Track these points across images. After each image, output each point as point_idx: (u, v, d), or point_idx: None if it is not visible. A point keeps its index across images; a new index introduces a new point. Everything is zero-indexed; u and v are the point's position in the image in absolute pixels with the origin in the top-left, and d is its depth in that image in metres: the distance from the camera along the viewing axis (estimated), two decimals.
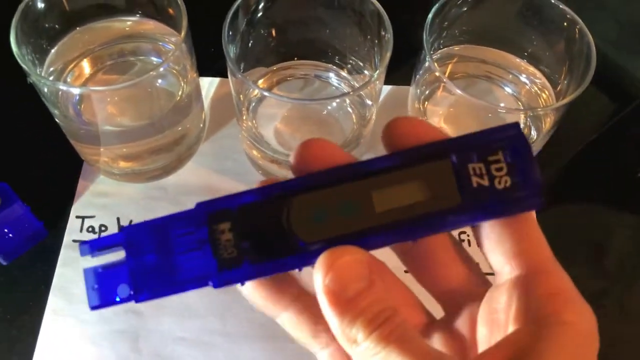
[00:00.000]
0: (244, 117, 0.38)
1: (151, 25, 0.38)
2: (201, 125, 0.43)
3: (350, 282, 0.17)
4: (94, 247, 0.19)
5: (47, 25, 0.35)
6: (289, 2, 0.36)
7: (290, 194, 0.18)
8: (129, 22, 0.38)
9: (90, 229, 0.40)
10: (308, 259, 0.18)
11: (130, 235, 0.18)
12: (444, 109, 0.40)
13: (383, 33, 0.34)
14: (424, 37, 0.35)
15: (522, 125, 0.39)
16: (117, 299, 0.18)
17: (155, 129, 0.38)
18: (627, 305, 0.40)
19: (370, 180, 0.18)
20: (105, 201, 0.41)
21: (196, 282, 0.18)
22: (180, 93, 0.38)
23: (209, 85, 0.46)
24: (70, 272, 0.39)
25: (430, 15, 0.35)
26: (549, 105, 0.37)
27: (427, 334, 0.21)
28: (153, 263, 0.18)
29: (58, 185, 0.42)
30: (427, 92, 0.40)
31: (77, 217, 0.41)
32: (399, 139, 0.19)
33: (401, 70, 0.41)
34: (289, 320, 0.20)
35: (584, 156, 0.45)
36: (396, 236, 0.18)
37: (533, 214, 0.19)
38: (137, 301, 0.18)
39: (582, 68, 0.33)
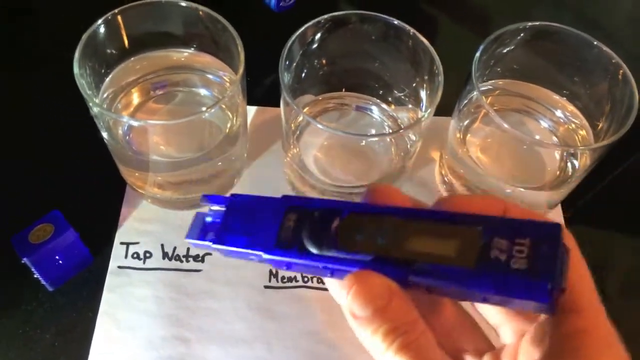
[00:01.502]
0: (291, 145, 0.39)
1: (207, 59, 0.39)
2: (245, 155, 0.43)
3: (370, 300, 0.20)
4: (207, 199, 0.25)
5: (107, 51, 0.36)
6: (343, 35, 0.37)
7: (347, 210, 0.22)
8: (185, 54, 0.39)
9: (135, 255, 0.41)
10: (338, 264, 0.21)
11: (233, 201, 0.24)
12: (481, 139, 0.42)
13: (436, 73, 0.36)
14: (473, 71, 0.36)
15: (558, 160, 0.41)
16: (202, 238, 0.24)
17: (202, 160, 0.39)
18: (626, 325, 0.41)
19: (411, 223, 0.21)
20: (149, 227, 0.42)
21: (256, 248, 0.23)
22: (229, 126, 0.39)
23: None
24: (117, 298, 0.39)
25: (478, 53, 0.37)
26: (587, 145, 0.38)
27: (480, 359, 0.24)
28: (237, 225, 0.24)
29: (102, 211, 0.42)
30: (466, 122, 0.41)
31: (122, 243, 0.41)
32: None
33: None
34: None
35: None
36: (411, 273, 0.21)
37: (576, 247, 0.21)
38: (213, 243, 0.24)
39: (624, 112, 0.35)
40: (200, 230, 0.24)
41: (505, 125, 0.34)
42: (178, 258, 0.41)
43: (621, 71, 0.36)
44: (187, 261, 0.41)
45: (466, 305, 0.26)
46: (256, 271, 0.41)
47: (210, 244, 0.24)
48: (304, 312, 0.39)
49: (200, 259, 0.41)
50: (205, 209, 0.25)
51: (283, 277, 0.41)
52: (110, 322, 0.38)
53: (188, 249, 0.41)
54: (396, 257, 0.21)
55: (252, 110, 0.47)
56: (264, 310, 0.39)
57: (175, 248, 0.41)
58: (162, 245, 0.41)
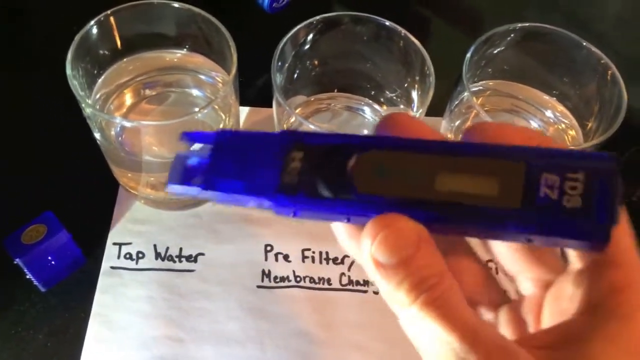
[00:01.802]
0: None
1: (200, 60, 0.39)
2: None
3: (397, 249, 0.18)
4: (190, 138, 0.21)
5: (99, 52, 0.36)
6: (335, 36, 0.38)
7: (363, 146, 0.19)
8: (177, 55, 0.39)
9: (127, 256, 0.41)
10: (357, 210, 0.19)
11: (221, 138, 0.20)
12: None
13: (427, 73, 0.36)
14: (463, 72, 0.36)
15: None
16: (188, 184, 0.20)
17: None
18: None
19: (441, 159, 0.18)
20: (142, 228, 0.42)
21: (254, 194, 0.19)
22: (222, 126, 0.39)
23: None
24: (109, 298, 0.39)
25: (468, 54, 0.37)
26: (576, 145, 0.39)
27: (496, 312, 0.22)
28: (229, 166, 0.20)
29: (95, 212, 0.42)
30: (457, 122, 0.41)
31: (115, 243, 0.41)
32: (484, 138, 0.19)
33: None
34: None
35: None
36: (444, 217, 0.18)
37: None
38: (202, 189, 0.20)
39: (612, 112, 0.35)
40: (184, 173, 0.21)
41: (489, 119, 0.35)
42: (171, 258, 0.41)
43: (610, 72, 0.36)
44: (180, 261, 0.41)
45: (476, 249, 0.23)
46: (249, 271, 0.41)
47: (198, 189, 0.20)
48: (296, 312, 0.40)
49: (193, 259, 0.41)
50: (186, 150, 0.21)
51: (276, 277, 0.41)
52: (102, 323, 0.38)
53: (181, 249, 0.41)
54: (426, 198, 0.18)
55: (245, 110, 0.47)
56: (257, 310, 0.39)
57: (168, 248, 0.41)
58: (155, 246, 0.41)
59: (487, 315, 0.22)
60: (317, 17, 0.37)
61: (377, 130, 0.20)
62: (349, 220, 0.19)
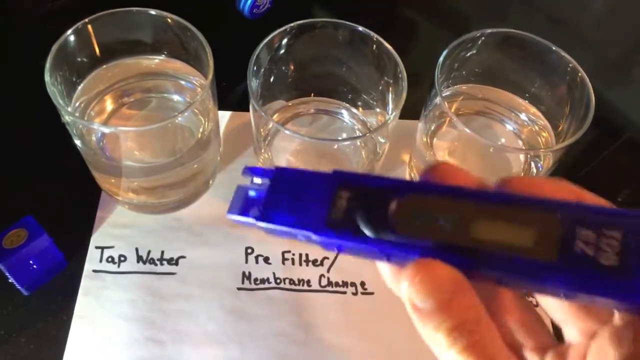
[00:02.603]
0: (262, 150, 0.40)
1: (177, 65, 0.40)
2: (218, 158, 0.44)
3: (433, 293, 0.18)
4: (250, 171, 0.23)
5: (77, 60, 0.37)
6: (310, 42, 0.38)
7: (405, 190, 0.20)
8: (155, 61, 0.40)
9: (109, 259, 0.41)
10: (396, 250, 0.20)
11: (278, 174, 0.22)
12: (449, 143, 0.43)
13: (400, 77, 0.37)
14: (436, 77, 0.37)
15: (523, 162, 0.42)
16: (247, 214, 0.22)
17: (175, 164, 0.39)
18: None
19: (479, 207, 0.19)
20: (124, 232, 0.42)
21: (304, 228, 0.21)
22: (201, 130, 0.40)
23: (221, 118, 0.47)
24: (92, 301, 0.40)
25: (441, 58, 0.38)
26: (549, 146, 0.39)
27: (542, 356, 0.22)
28: (283, 200, 0.22)
29: (76, 216, 0.43)
30: (433, 126, 0.42)
31: (97, 247, 0.42)
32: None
33: (406, 104, 0.43)
34: None
35: (586, 185, 0.48)
36: (479, 264, 0.19)
37: None
38: (258, 220, 0.22)
39: (582, 114, 0.36)
40: (243, 204, 0.22)
41: (467, 130, 0.36)
42: (152, 261, 0.42)
43: (579, 75, 0.37)
44: (162, 264, 0.41)
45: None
46: (230, 273, 0.41)
47: (253, 220, 0.22)
48: (275, 313, 0.40)
49: (174, 262, 0.42)
50: (248, 182, 0.23)
51: (256, 279, 0.41)
52: (84, 325, 0.39)
53: (162, 252, 0.42)
54: (463, 244, 0.19)
55: (227, 115, 0.48)
56: (237, 311, 0.40)
57: (149, 252, 0.42)
58: (137, 249, 0.42)
59: (533, 359, 0.22)
60: (292, 24, 0.38)
61: (422, 177, 0.22)
62: (389, 260, 0.20)
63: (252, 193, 0.23)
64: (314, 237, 0.21)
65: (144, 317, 0.39)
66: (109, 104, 0.41)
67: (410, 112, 0.42)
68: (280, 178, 0.22)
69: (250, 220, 0.22)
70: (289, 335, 0.39)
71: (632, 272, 0.17)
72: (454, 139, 0.43)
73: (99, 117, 0.41)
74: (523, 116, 0.43)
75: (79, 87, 0.38)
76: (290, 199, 0.22)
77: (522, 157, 0.42)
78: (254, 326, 0.40)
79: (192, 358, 0.38)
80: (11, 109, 0.48)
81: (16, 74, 0.50)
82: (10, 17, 0.54)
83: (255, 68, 0.36)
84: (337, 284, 0.42)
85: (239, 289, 0.41)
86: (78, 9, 0.37)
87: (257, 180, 0.23)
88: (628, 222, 0.18)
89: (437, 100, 0.37)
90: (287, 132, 0.35)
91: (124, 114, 0.41)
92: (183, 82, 0.41)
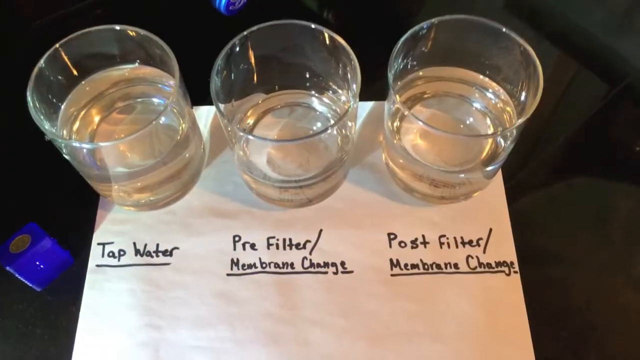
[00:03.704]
0: (235, 148, 0.43)
1: (147, 71, 0.42)
2: (202, 151, 0.47)
3: None
4: None
5: (56, 83, 0.40)
6: (269, 38, 0.40)
7: None
8: (127, 70, 0.43)
9: (110, 254, 0.45)
10: None
11: None
12: (417, 126, 0.44)
13: (352, 65, 0.39)
14: (388, 73, 0.38)
15: (489, 142, 0.43)
16: None
17: (161, 164, 0.43)
18: (633, 273, 0.44)
19: None
20: (123, 228, 0.46)
21: None
22: (180, 130, 0.43)
23: (207, 113, 0.50)
24: (96, 293, 0.44)
25: (395, 49, 0.39)
26: (513, 123, 0.40)
27: None
28: None
29: (79, 217, 0.47)
30: (399, 113, 0.43)
31: (99, 244, 0.46)
32: None
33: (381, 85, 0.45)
34: None
35: (583, 134, 0.50)
36: None
37: None
38: None
39: (534, 87, 0.37)
40: None
41: (420, 123, 0.37)
42: (149, 254, 0.45)
43: (521, 49, 0.38)
44: (157, 256, 0.45)
45: None
46: (219, 261, 0.45)
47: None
48: (263, 295, 0.43)
49: (168, 253, 0.45)
50: None
51: (244, 265, 0.45)
52: (91, 315, 0.43)
53: (158, 245, 0.46)
54: None
55: (212, 109, 0.51)
56: (227, 295, 0.44)
57: (146, 245, 0.46)
58: (134, 243, 0.46)
59: None
60: (249, 30, 0.40)
61: None
62: None
63: None
64: None
65: (142, 305, 0.43)
66: (95, 115, 0.44)
67: (379, 93, 0.44)
68: None
69: None
70: (275, 315, 0.43)
71: None
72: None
73: (89, 127, 0.44)
74: (488, 93, 0.43)
75: (62, 106, 0.41)
76: None
77: (487, 136, 0.43)
78: (242, 308, 0.43)
79: (187, 340, 0.42)
80: (10, 120, 0.51)
81: (13, 79, 0.53)
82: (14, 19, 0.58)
83: (217, 73, 0.39)
84: (318, 265, 0.44)
85: (228, 274, 0.44)
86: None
87: None
88: None
89: (391, 96, 0.38)
90: (250, 137, 0.37)
91: (112, 120, 0.45)
92: (160, 86, 0.44)
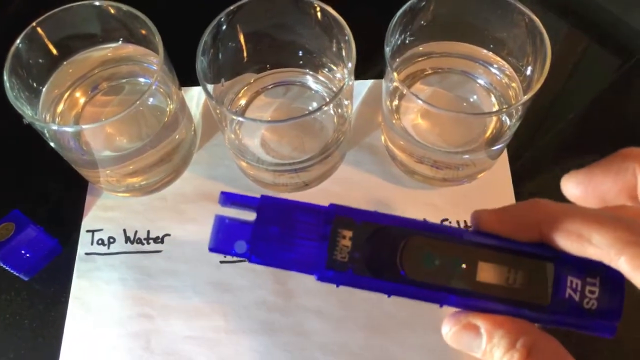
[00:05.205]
0: (226, 131, 0.41)
1: (131, 49, 0.40)
2: (192, 134, 0.45)
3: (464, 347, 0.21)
4: (230, 199, 0.21)
5: (35, 65, 0.38)
6: (257, 14, 0.38)
7: (413, 232, 0.21)
8: (109, 49, 0.41)
9: (100, 242, 0.44)
10: (402, 291, 0.21)
11: (265, 204, 0.21)
12: (418, 105, 0.42)
13: (347, 40, 0.36)
14: (385, 48, 0.36)
15: (494, 120, 0.41)
16: (233, 251, 0.21)
17: (149, 146, 0.41)
18: None
19: (485, 252, 0.21)
20: (112, 215, 0.45)
21: (302, 267, 0.21)
22: (168, 111, 0.41)
23: (198, 94, 0.48)
24: (86, 282, 0.42)
25: (392, 23, 0.37)
26: (518, 99, 0.38)
27: None
28: (274, 235, 0.21)
29: (68, 204, 0.45)
30: (397, 92, 0.41)
31: (88, 231, 0.44)
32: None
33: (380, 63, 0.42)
34: None
35: (594, 111, 0.48)
36: (481, 306, 0.21)
37: None
38: (250, 260, 0.21)
39: (541, 60, 0.35)
40: (225, 237, 0.21)
41: (420, 102, 0.35)
42: (139, 241, 0.44)
43: (534, 23, 0.35)
44: (148, 243, 0.44)
45: None
46: None
47: (245, 260, 0.21)
48: (257, 284, 0.42)
49: (160, 240, 0.44)
50: (226, 210, 0.22)
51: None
52: (80, 305, 0.42)
53: (148, 232, 0.44)
54: (466, 289, 0.21)
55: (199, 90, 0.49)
56: (220, 284, 0.42)
57: (136, 232, 0.44)
58: (125, 230, 0.44)
59: None
60: (236, 4, 0.37)
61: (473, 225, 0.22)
62: (389, 296, 0.21)
63: (235, 225, 0.21)
64: (315, 276, 0.21)
65: (133, 295, 0.42)
66: (80, 97, 0.42)
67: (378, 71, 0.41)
68: (267, 208, 0.21)
69: (237, 256, 0.21)
70: (270, 304, 0.41)
71: (608, 314, 0.20)
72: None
73: (74, 109, 0.42)
74: (492, 69, 0.41)
75: (44, 89, 0.39)
76: (283, 234, 0.20)
77: (492, 114, 0.41)
78: (236, 297, 0.41)
79: (179, 330, 0.41)
80: None
81: None
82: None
83: (203, 52, 0.36)
84: None
85: (221, 262, 0.43)
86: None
87: (235, 208, 0.21)
88: (606, 272, 0.20)
89: (389, 75, 0.36)
90: (241, 119, 0.36)
91: (98, 102, 0.43)
92: (146, 65, 0.42)
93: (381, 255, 0.20)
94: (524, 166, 0.44)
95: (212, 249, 0.21)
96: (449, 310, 0.22)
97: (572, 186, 0.23)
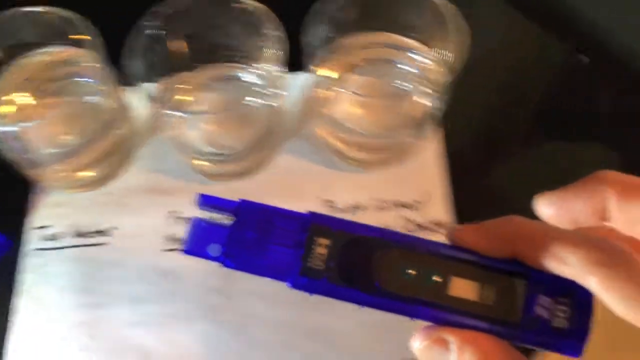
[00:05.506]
0: (165, 127, 0.42)
1: (72, 52, 0.42)
2: (135, 129, 0.47)
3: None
4: (207, 202, 0.22)
5: None
6: (181, 13, 0.40)
7: (390, 243, 0.21)
8: (51, 53, 0.42)
9: (48, 237, 0.45)
10: (375, 302, 0.21)
11: (243, 208, 0.21)
12: (344, 95, 0.43)
13: (277, 33, 0.38)
14: (304, 42, 0.38)
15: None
16: (207, 254, 0.21)
17: (92, 143, 0.42)
18: None
19: (459, 267, 0.21)
20: (60, 211, 0.46)
21: (275, 273, 0.21)
22: (108, 107, 0.42)
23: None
24: (35, 277, 0.43)
25: (308, 17, 0.39)
26: (445, 83, 0.40)
27: None
28: (250, 240, 0.21)
29: (15, 200, 0.46)
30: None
31: (36, 227, 0.45)
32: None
33: None
34: None
35: (520, 90, 0.50)
36: (451, 320, 0.21)
37: None
38: (224, 265, 0.21)
39: (456, 43, 0.37)
40: (200, 240, 0.21)
41: (344, 91, 0.37)
42: (87, 235, 0.45)
43: (437, 8, 0.38)
44: (95, 237, 0.45)
45: None
46: (157, 237, 0.45)
47: (220, 264, 0.21)
48: (203, 269, 0.43)
49: (107, 233, 0.45)
50: (203, 213, 0.22)
51: (181, 240, 0.45)
52: (29, 300, 0.43)
53: (95, 226, 0.45)
54: (438, 302, 0.20)
55: (153, 87, 0.50)
56: (167, 271, 0.43)
57: (83, 226, 0.45)
58: (72, 225, 0.45)
59: None
60: (155, 7, 0.39)
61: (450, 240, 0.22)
62: (361, 307, 0.21)
63: (211, 229, 0.21)
64: (288, 283, 0.21)
65: (82, 286, 0.43)
66: (24, 100, 0.43)
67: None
68: (244, 212, 0.21)
69: (211, 260, 0.21)
70: (215, 288, 0.43)
71: (576, 334, 0.20)
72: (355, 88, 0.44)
73: (20, 113, 0.43)
74: (416, 55, 0.43)
75: None
76: (259, 239, 0.21)
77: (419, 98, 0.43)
78: (183, 283, 0.43)
79: (128, 316, 0.42)
80: None
81: None
82: None
83: (133, 53, 0.38)
84: None
85: (166, 250, 0.44)
86: None
87: (215, 212, 0.21)
88: (576, 291, 0.20)
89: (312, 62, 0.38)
90: (176, 113, 0.37)
91: (42, 104, 0.44)
92: (85, 65, 0.43)
93: (356, 265, 0.20)
94: (456, 145, 0.47)
95: (186, 251, 0.22)
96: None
97: (545, 206, 0.23)
